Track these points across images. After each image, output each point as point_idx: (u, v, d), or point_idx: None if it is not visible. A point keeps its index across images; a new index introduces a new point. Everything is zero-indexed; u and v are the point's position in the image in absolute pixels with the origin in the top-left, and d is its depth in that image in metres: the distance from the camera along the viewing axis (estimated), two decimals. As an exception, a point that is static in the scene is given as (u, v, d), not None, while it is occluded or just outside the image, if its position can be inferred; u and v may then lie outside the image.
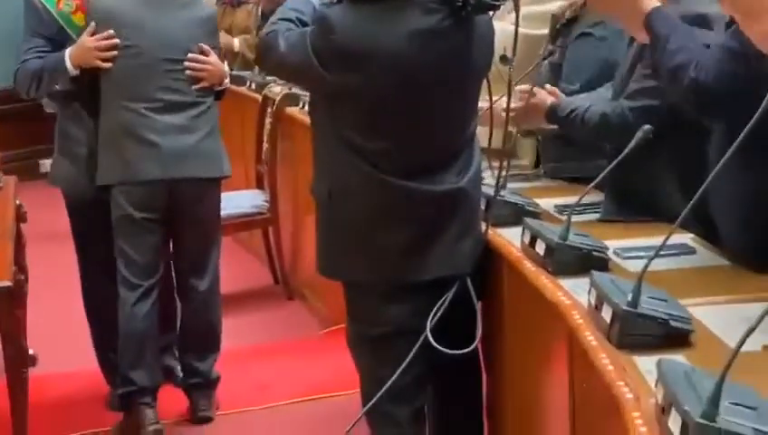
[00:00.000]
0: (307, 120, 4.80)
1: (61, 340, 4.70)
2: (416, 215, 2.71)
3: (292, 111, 5.16)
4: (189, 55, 3.86)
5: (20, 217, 4.20)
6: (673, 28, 2.34)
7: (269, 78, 5.63)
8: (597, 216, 2.85)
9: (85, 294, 4.14)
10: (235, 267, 5.40)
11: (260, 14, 6.41)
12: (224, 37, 6.48)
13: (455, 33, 2.60)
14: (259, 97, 5.56)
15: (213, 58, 3.92)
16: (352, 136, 2.67)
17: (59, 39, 3.92)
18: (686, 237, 2.52)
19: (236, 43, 6.68)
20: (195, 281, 3.99)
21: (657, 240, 2.41)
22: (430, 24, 2.57)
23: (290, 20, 2.70)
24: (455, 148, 2.73)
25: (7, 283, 3.18)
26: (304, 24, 2.70)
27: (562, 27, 3.23)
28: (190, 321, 4.05)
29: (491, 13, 2.64)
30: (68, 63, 3.80)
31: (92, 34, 3.78)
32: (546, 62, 3.22)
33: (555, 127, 3.07)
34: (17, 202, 4.25)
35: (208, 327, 4.06)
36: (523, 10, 2.74)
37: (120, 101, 3.80)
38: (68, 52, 3.81)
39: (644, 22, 2.31)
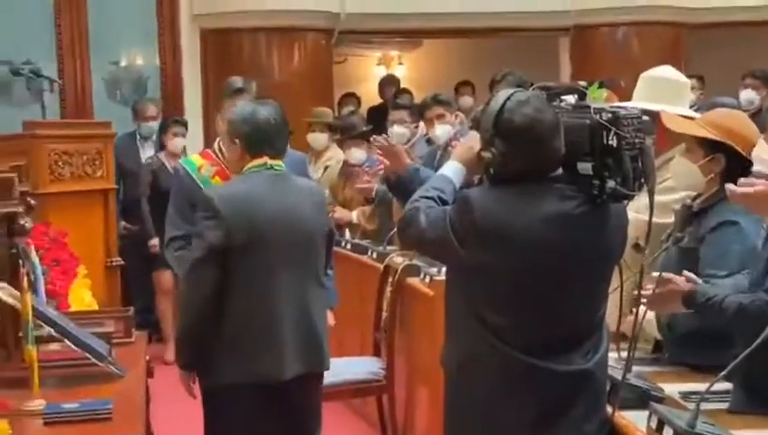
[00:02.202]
0: (427, 290, 4.98)
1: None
2: (540, 393, 2.76)
3: (414, 281, 5.25)
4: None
5: (149, 371, 4.32)
6: None
7: (390, 248, 5.78)
8: (721, 405, 2.86)
9: None
10: (347, 433, 5.41)
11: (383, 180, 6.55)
12: (341, 211, 6.72)
13: (589, 220, 2.70)
14: (380, 266, 5.68)
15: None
16: (482, 309, 2.76)
17: (199, 201, 4.15)
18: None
19: (354, 215, 6.88)
20: None
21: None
22: (566, 209, 2.68)
23: (431, 198, 2.84)
24: (584, 330, 2.79)
25: (140, 436, 3.26)
26: (444, 202, 2.83)
27: (694, 215, 3.31)
28: None
29: (625, 202, 2.74)
30: None
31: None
32: (675, 247, 3.29)
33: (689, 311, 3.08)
34: (147, 358, 4.39)
35: None
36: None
37: (244, 293, 3.68)
38: None
39: None
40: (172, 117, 8.18)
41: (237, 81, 4.47)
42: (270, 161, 3.77)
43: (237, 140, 3.79)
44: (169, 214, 4.32)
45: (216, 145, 4.45)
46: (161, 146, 7.89)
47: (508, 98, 2.73)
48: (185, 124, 7.96)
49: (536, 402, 2.76)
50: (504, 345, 2.74)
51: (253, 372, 3.68)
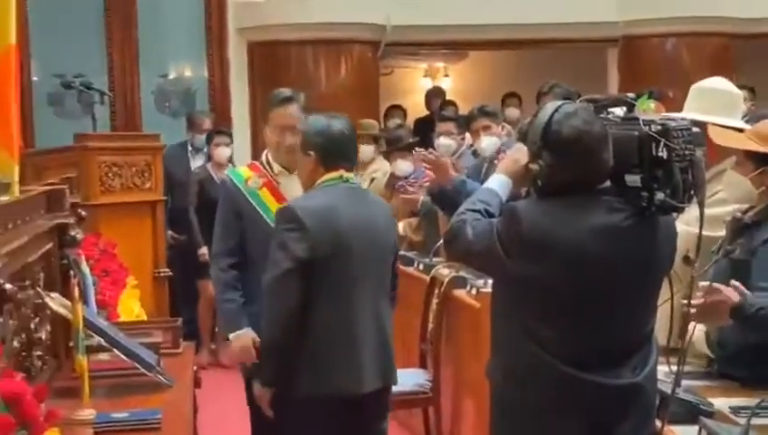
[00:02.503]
0: (474, 302, 4.97)
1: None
2: (588, 407, 2.74)
3: (460, 293, 5.24)
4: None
5: (196, 382, 4.35)
6: None
7: (436, 259, 5.77)
8: (774, 420, 2.83)
9: None
10: (393, 445, 5.37)
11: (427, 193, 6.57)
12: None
13: (638, 232, 2.69)
14: (426, 278, 5.68)
15: None
16: (528, 321, 2.76)
17: (245, 212, 4.18)
18: None
19: (401, 226, 6.89)
20: None
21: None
22: (614, 221, 2.67)
23: (477, 211, 2.84)
24: (632, 343, 2.77)
25: (188, 446, 3.28)
26: (491, 215, 2.83)
27: (745, 227, 3.28)
28: None
29: (674, 214, 2.73)
30: (232, 337, 4.02)
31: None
32: (726, 260, 3.26)
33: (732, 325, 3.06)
34: (194, 368, 4.41)
35: None
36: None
37: (326, 306, 3.67)
38: (237, 334, 4.00)
39: None
40: (217, 128, 8.27)
41: (285, 91, 4.50)
42: (345, 174, 3.76)
43: (312, 153, 3.76)
44: (216, 229, 4.35)
45: (263, 157, 4.47)
46: (209, 157, 7.99)
47: (556, 110, 2.73)
48: (229, 134, 8.07)
49: (584, 416, 2.74)
50: (551, 358, 2.73)
51: (334, 385, 3.66)
